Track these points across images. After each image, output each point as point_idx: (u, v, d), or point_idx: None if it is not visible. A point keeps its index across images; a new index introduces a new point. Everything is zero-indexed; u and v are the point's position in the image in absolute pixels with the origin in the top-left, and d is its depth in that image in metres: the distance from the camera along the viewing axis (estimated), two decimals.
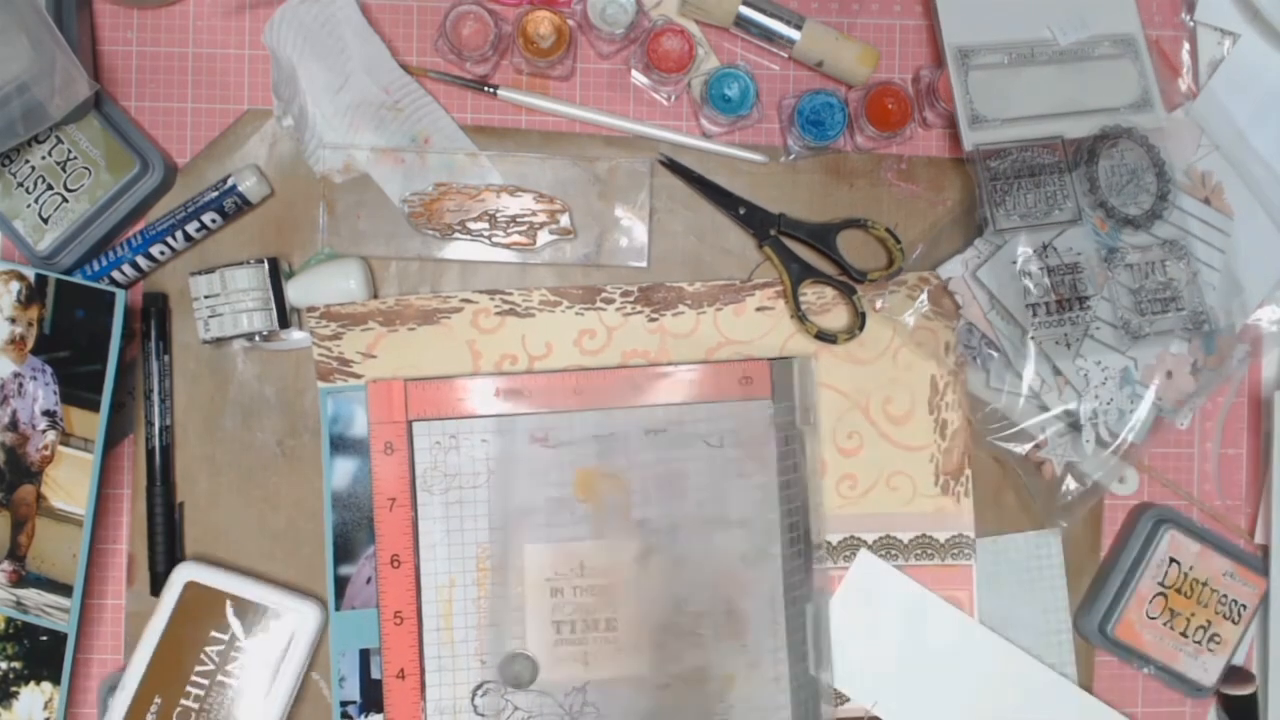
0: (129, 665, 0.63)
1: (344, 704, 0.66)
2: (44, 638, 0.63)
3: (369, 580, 0.66)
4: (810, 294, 0.69)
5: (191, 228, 0.66)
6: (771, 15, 0.67)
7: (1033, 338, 0.66)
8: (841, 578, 0.68)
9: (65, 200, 0.65)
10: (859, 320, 0.68)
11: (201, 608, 0.64)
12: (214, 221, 0.66)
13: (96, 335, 0.62)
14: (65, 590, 0.63)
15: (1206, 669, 0.69)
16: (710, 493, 0.66)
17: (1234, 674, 0.71)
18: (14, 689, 0.64)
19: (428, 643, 0.66)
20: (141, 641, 0.63)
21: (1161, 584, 0.69)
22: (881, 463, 0.68)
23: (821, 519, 0.68)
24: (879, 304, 0.68)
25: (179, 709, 0.63)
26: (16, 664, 0.64)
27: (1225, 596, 0.69)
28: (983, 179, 0.66)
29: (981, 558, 0.69)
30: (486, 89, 0.68)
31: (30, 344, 0.62)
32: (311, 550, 0.67)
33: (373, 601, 0.66)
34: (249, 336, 0.65)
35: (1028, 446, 0.68)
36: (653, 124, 0.69)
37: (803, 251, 0.68)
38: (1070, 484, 0.68)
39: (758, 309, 0.69)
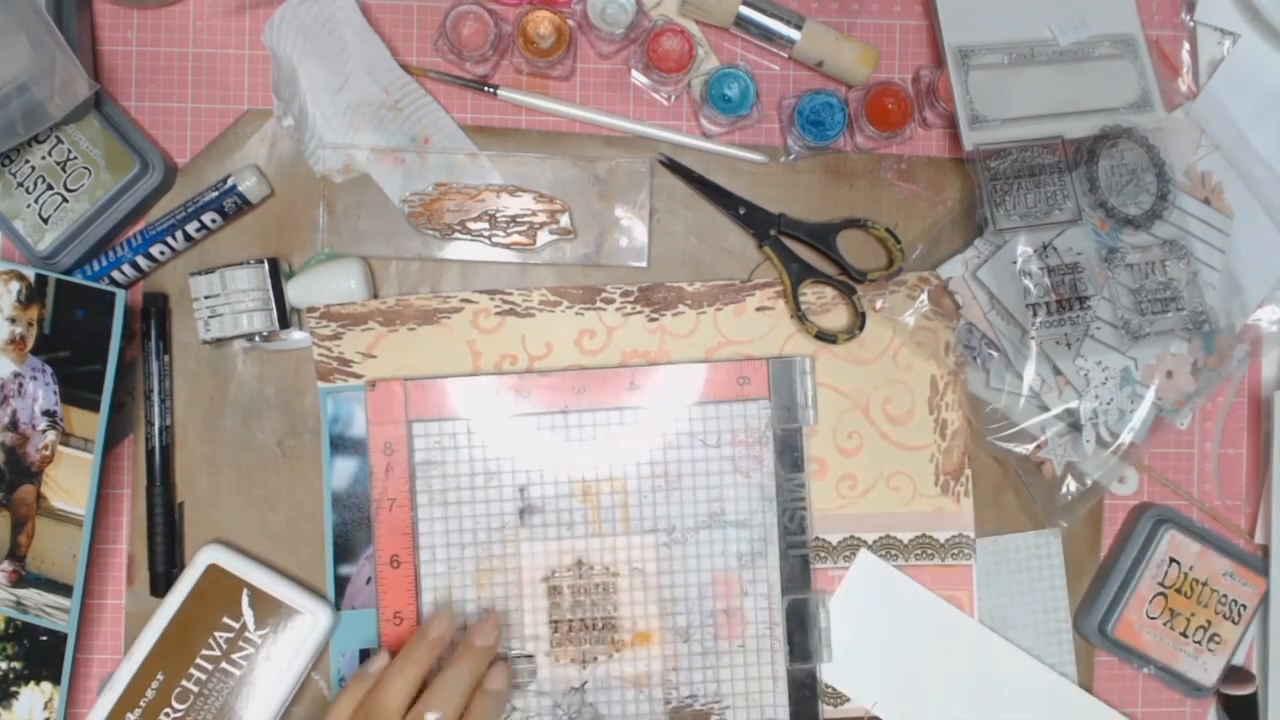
0: (140, 635, 0.63)
1: None
2: (44, 638, 0.63)
3: (369, 580, 0.66)
4: (810, 294, 0.69)
5: (191, 228, 0.66)
6: (771, 15, 0.67)
7: (1033, 338, 0.66)
8: (841, 578, 0.68)
9: (65, 200, 0.65)
10: (859, 320, 0.68)
11: (219, 592, 0.64)
12: (214, 221, 0.66)
13: (96, 335, 0.62)
14: (65, 590, 0.63)
15: (1206, 669, 0.69)
16: (708, 492, 0.67)
17: (1234, 674, 0.71)
18: (14, 689, 0.64)
19: None
20: (156, 614, 0.63)
21: (1161, 584, 0.69)
22: (881, 463, 0.68)
23: (820, 519, 0.68)
24: (879, 304, 0.68)
25: (179, 689, 0.63)
26: (16, 664, 0.64)
27: (1225, 596, 0.69)
28: (983, 179, 0.66)
29: (981, 558, 0.69)
30: (486, 89, 0.68)
31: (30, 344, 0.62)
32: (311, 550, 0.67)
33: (373, 601, 0.66)
34: (249, 337, 0.65)
35: (1028, 447, 0.68)
36: (653, 124, 0.69)
37: (803, 251, 0.68)
38: (1070, 484, 0.68)
39: (758, 309, 0.69)
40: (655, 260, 0.69)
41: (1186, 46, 0.72)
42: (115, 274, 0.66)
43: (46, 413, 0.62)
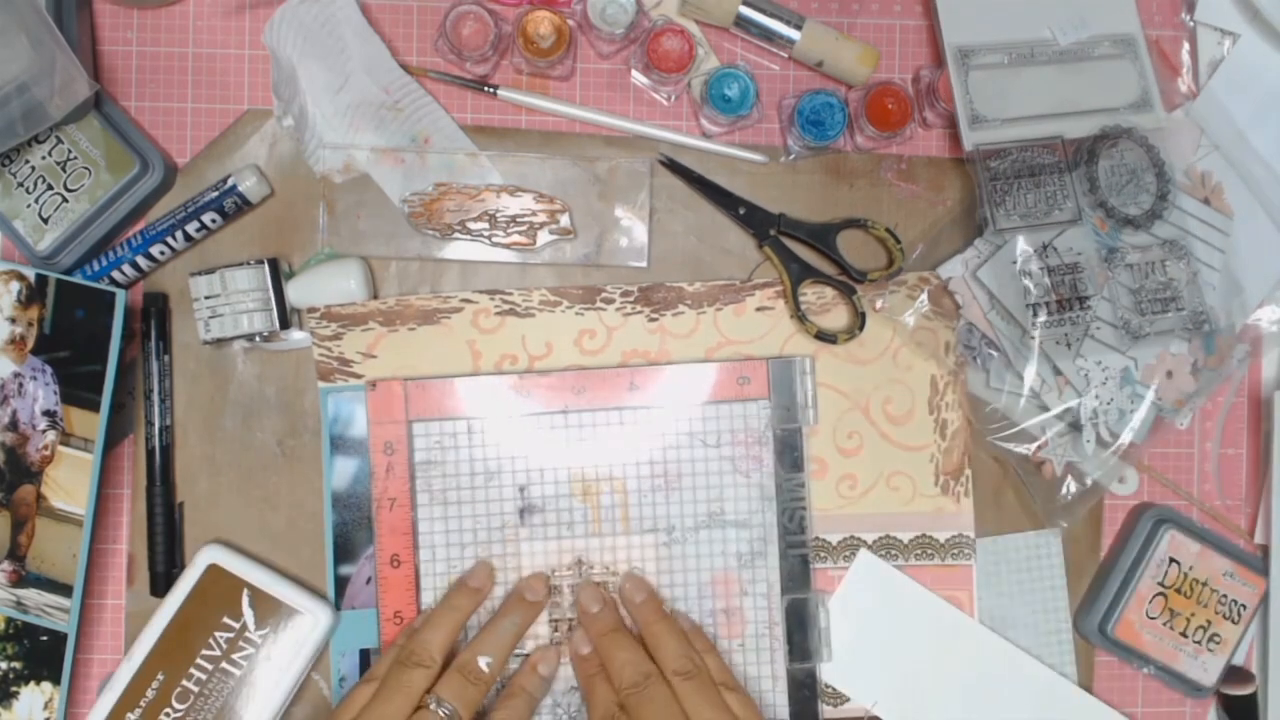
0: (140, 635, 0.63)
1: None
2: (44, 638, 0.63)
3: (369, 580, 0.66)
4: (810, 294, 0.69)
5: (191, 228, 0.66)
6: (771, 15, 0.67)
7: (1033, 338, 0.66)
8: (841, 578, 0.68)
9: (65, 200, 0.65)
10: (859, 320, 0.68)
11: (219, 592, 0.64)
12: (214, 221, 0.66)
13: (96, 335, 0.62)
14: (65, 590, 0.63)
15: (1206, 669, 0.69)
16: (708, 492, 0.67)
17: (1234, 674, 0.71)
18: (14, 689, 0.64)
19: None
20: (156, 614, 0.63)
21: (1161, 584, 0.69)
22: (881, 463, 0.68)
23: (820, 519, 0.68)
24: (879, 304, 0.68)
25: (179, 689, 0.63)
26: (16, 664, 0.64)
27: (1225, 596, 0.69)
28: (983, 179, 0.66)
29: (981, 558, 0.69)
30: (486, 89, 0.68)
31: (30, 344, 0.62)
32: (311, 550, 0.67)
33: (373, 601, 0.66)
34: (249, 337, 0.65)
35: (1028, 447, 0.68)
36: (653, 124, 0.69)
37: (803, 251, 0.68)
38: (1070, 484, 0.68)
39: (758, 309, 0.69)
40: (655, 260, 0.69)
41: (1186, 46, 0.72)
42: (115, 274, 0.66)
43: (46, 413, 0.62)
